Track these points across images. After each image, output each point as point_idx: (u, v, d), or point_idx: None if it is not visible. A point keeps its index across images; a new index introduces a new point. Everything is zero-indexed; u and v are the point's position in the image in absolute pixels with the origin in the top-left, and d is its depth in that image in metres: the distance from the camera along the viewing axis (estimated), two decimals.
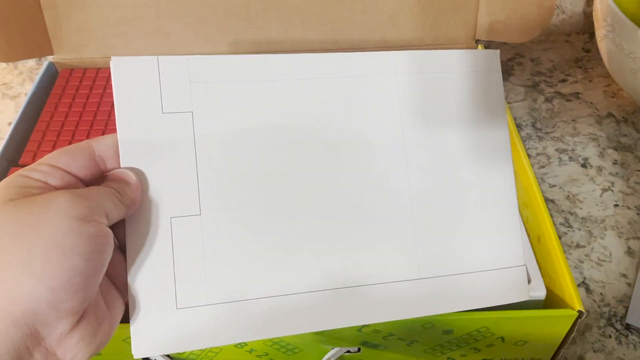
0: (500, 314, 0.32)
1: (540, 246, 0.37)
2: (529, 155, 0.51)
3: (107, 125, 0.45)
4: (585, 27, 0.64)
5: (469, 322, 0.32)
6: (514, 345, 0.35)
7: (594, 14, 0.53)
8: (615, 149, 0.52)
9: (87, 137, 0.44)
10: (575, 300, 0.32)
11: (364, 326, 0.33)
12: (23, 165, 0.42)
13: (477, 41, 0.52)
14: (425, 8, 0.50)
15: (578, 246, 0.45)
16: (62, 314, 0.22)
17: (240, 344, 0.33)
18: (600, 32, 0.52)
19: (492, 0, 0.49)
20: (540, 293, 0.34)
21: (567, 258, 0.43)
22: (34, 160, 0.43)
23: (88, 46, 0.51)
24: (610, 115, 0.55)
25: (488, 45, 0.63)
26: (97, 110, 0.47)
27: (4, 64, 0.62)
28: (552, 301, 0.34)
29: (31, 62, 0.62)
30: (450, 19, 0.50)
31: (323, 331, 0.33)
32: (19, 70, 0.62)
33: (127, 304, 0.25)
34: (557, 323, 0.33)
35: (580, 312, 0.32)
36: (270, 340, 0.33)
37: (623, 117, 0.55)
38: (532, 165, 0.50)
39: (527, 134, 0.53)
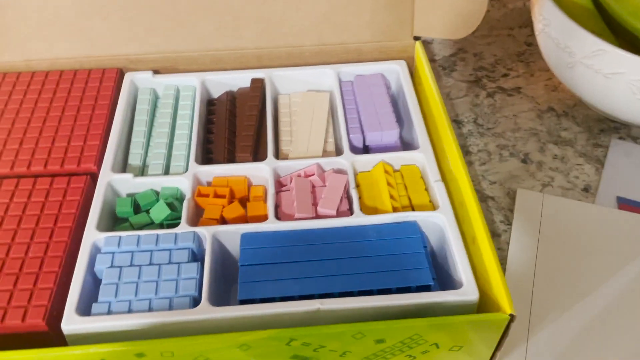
0: (429, 320, 0.31)
1: (474, 248, 0.36)
2: (470, 153, 0.50)
3: (26, 133, 0.43)
4: (528, 20, 0.64)
5: (398, 331, 0.31)
6: (449, 351, 0.34)
7: (531, 7, 0.53)
8: (556, 143, 0.51)
9: (5, 146, 0.42)
10: (507, 304, 0.31)
11: (292, 340, 0.31)
12: None
13: (416, 38, 0.51)
14: (360, 5, 0.48)
15: None
16: None
17: None
18: (537, 26, 0.51)
19: None
20: (472, 297, 0.33)
21: (506, 257, 0.43)
22: None
23: (7, 50, 0.48)
24: (551, 109, 0.55)
25: (431, 41, 0.62)
26: (15, 117, 0.44)
27: None
28: (486, 304, 0.34)
29: None
30: (387, 16, 0.49)
31: (250, 346, 0.32)
32: None
33: None
34: (489, 327, 0.32)
35: (512, 315, 0.31)
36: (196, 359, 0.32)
37: (564, 111, 0.54)
38: (473, 163, 0.49)
39: (469, 130, 0.53)
